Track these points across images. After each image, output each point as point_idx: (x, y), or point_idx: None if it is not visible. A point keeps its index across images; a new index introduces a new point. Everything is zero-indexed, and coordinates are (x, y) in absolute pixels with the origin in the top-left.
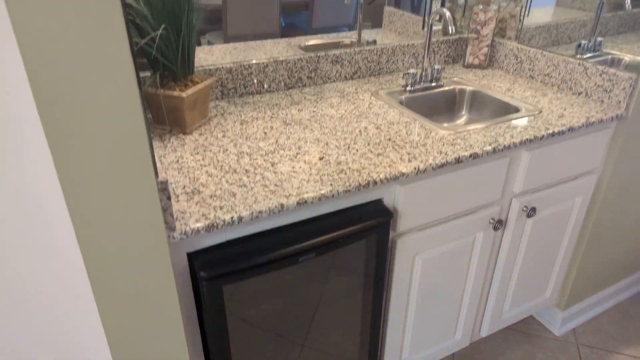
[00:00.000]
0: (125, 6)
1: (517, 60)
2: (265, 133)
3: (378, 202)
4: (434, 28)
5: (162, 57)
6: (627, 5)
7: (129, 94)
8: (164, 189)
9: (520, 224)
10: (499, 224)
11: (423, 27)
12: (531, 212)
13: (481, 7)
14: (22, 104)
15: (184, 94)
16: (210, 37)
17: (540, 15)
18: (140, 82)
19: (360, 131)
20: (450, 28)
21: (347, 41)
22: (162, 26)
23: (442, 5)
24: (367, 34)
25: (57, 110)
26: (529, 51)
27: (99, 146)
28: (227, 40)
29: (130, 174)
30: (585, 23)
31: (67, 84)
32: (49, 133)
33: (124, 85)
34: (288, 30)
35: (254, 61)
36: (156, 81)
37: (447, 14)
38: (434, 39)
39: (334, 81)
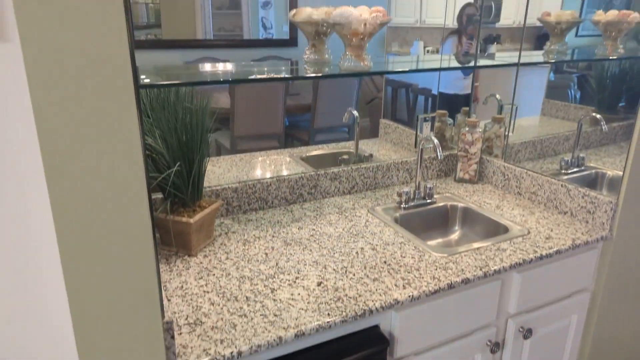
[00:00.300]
0: (145, 145)
1: (504, 177)
2: (266, 254)
3: (374, 329)
4: (427, 146)
5: (174, 189)
6: (603, 127)
7: (145, 249)
8: (168, 329)
9: (517, 346)
10: (496, 347)
11: (415, 146)
12: (527, 333)
13: (467, 129)
14: (49, 257)
15: (191, 220)
16: (217, 137)
17: (527, 124)
18: (153, 213)
19: (357, 252)
20: (438, 154)
21: (345, 155)
22: (178, 164)
23: (432, 124)
24: (365, 144)
25: (74, 250)
26: (514, 170)
27: (112, 290)
28: (233, 140)
29: (138, 315)
30: (568, 137)
31: (88, 232)
32: (67, 272)
33: (141, 241)
34: (291, 129)
35: (258, 177)
36: (166, 208)
37: (435, 141)
38: (426, 156)
39: (333, 196)
